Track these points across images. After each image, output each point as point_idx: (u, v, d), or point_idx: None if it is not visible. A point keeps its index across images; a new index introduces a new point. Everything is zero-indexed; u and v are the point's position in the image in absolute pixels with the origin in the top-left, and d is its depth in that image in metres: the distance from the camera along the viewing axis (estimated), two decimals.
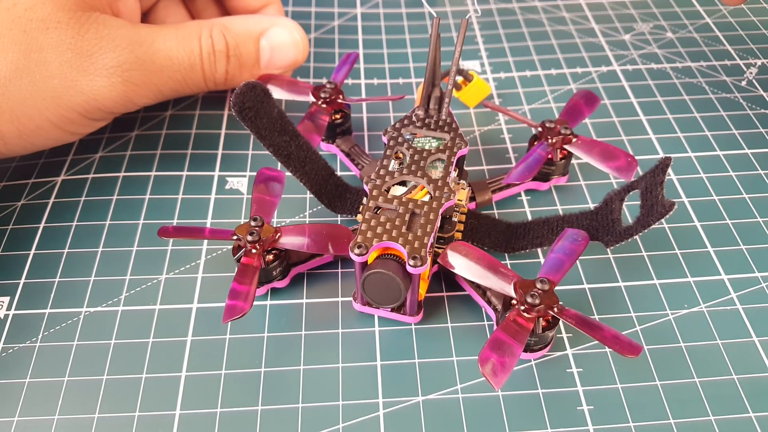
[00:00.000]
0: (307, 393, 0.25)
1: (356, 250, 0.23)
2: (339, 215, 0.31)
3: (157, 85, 0.29)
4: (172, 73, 0.29)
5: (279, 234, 0.26)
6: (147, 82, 0.29)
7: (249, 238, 0.25)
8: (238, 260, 0.26)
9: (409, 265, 0.23)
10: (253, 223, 0.26)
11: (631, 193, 0.27)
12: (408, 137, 0.28)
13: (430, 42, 0.26)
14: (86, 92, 0.27)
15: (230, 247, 0.29)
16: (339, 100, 0.32)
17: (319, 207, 0.31)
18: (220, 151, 0.34)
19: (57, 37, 0.26)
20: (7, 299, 0.27)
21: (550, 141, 0.30)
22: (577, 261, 0.27)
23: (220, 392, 0.25)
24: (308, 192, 0.30)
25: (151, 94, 0.29)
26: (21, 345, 0.26)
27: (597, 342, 0.24)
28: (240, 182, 0.33)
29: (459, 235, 0.28)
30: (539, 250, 0.29)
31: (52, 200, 0.31)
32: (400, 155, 0.27)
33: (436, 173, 0.26)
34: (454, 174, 0.27)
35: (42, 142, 0.29)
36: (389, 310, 0.26)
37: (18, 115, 0.26)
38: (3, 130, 0.27)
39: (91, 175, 0.33)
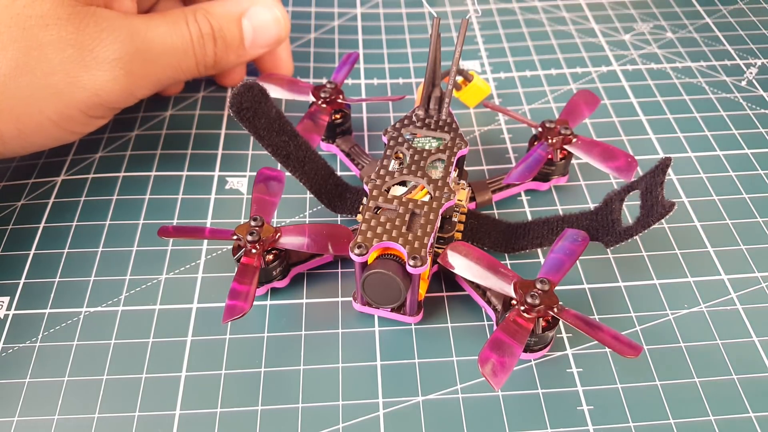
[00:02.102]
0: (307, 393, 0.25)
1: (356, 250, 0.23)
2: (339, 215, 0.31)
3: (156, 73, 0.29)
4: (169, 59, 0.29)
5: (279, 234, 0.26)
6: (147, 72, 0.29)
7: (249, 238, 0.25)
8: (238, 260, 0.26)
9: (409, 265, 0.23)
10: (253, 223, 0.26)
11: (631, 193, 0.27)
12: (408, 137, 0.28)
13: (430, 42, 0.26)
14: (89, 87, 0.27)
15: (230, 247, 0.29)
16: (339, 100, 0.32)
17: (319, 207, 0.31)
18: (220, 151, 0.34)
19: (57, 33, 0.26)
20: (7, 299, 0.27)
21: (550, 141, 0.30)
22: (577, 261, 0.27)
23: (220, 392, 0.25)
24: (308, 192, 0.30)
25: (150, 85, 0.29)
26: (21, 345, 0.26)
27: (597, 342, 0.24)
28: (240, 182, 0.33)
29: (459, 235, 0.28)
30: (539, 250, 0.29)
31: (52, 200, 0.31)
32: (400, 155, 0.27)
33: (436, 173, 0.26)
34: (454, 174, 0.27)
35: (41, 142, 0.29)
36: (389, 310, 0.26)
37: (18, 113, 0.26)
38: (2, 129, 0.26)
39: (91, 175, 0.32)
